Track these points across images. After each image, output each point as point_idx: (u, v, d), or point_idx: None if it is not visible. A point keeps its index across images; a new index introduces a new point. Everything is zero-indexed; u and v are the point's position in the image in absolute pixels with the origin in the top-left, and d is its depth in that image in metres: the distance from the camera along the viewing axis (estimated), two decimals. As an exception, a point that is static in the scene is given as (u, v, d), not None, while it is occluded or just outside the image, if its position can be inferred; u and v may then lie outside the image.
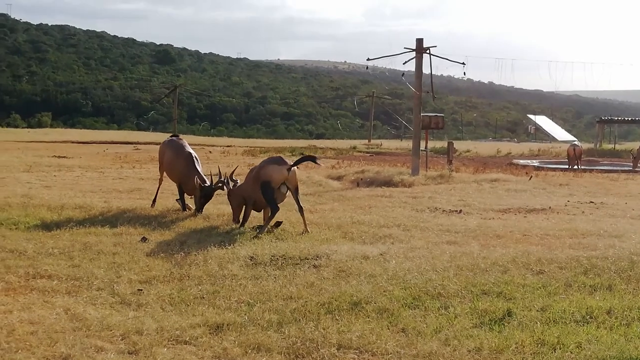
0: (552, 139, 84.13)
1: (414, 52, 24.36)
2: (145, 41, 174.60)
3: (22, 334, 5.96)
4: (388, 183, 20.52)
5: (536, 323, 6.49)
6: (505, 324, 6.50)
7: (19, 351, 5.60)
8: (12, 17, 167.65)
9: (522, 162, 37.33)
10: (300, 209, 11.67)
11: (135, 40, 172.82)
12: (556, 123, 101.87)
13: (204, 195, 13.13)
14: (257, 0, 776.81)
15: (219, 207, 13.51)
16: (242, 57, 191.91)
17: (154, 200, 14.25)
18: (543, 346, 5.92)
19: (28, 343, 5.76)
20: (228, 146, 47.72)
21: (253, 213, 12.12)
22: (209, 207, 13.31)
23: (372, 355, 5.74)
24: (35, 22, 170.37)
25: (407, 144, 48.84)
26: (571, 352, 5.78)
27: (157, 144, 49.45)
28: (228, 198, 12.37)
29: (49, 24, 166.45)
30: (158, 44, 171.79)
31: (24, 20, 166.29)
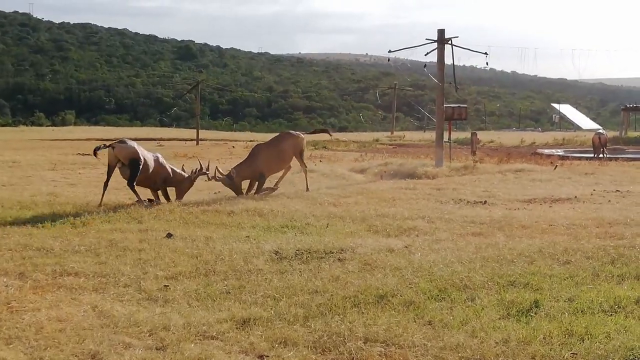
0: (577, 127, 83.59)
1: (436, 43, 24.26)
2: (166, 37, 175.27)
3: (51, 331, 6.00)
4: (412, 175, 20.49)
5: (564, 314, 6.45)
6: (533, 315, 6.46)
7: (48, 348, 5.64)
8: (35, 16, 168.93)
9: (546, 151, 37.12)
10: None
11: (156, 37, 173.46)
12: (580, 111, 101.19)
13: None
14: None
15: (244, 202, 13.55)
16: (263, 51, 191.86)
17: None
18: (571, 337, 5.88)
19: (56, 340, 5.80)
20: (250, 141, 47.75)
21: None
22: (233, 204, 13.39)
23: (398, 348, 5.72)
24: (57, 20, 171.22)
25: (430, 135, 48.61)
26: (600, 343, 5.73)
27: (180, 140, 49.79)
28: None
29: (71, 23, 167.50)
30: (179, 40, 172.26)
31: (47, 19, 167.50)
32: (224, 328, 6.12)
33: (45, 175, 20.48)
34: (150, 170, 13.92)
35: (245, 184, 15.69)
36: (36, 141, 44.85)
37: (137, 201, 13.47)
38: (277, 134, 18.03)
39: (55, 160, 26.87)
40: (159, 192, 14.40)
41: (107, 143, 13.91)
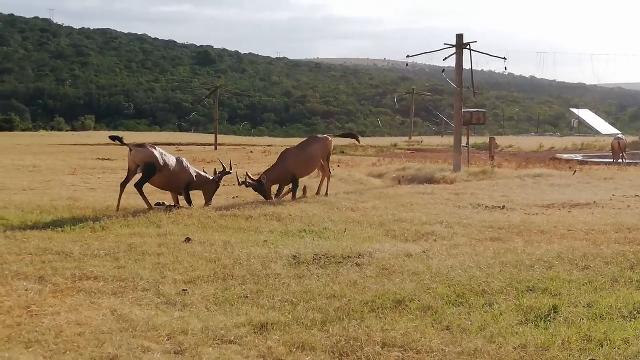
0: (596, 132, 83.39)
1: (454, 48, 24.23)
2: (186, 43, 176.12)
3: (70, 335, 6.03)
4: (430, 180, 20.46)
5: (583, 319, 6.42)
6: (551, 321, 6.43)
7: (67, 352, 5.67)
8: (55, 22, 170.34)
9: (565, 156, 36.97)
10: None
11: (176, 42, 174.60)
12: (600, 116, 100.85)
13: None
14: (301, 0, 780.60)
15: (262, 206, 13.57)
16: (281, 56, 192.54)
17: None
18: (590, 342, 5.85)
19: (76, 344, 5.82)
20: (269, 146, 47.91)
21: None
22: (251, 208, 13.44)
23: (416, 353, 5.71)
24: (77, 26, 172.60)
25: (449, 140, 48.63)
26: (618, 348, 5.71)
27: (198, 145, 49.98)
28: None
29: (91, 28, 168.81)
30: (198, 45, 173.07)
31: (67, 25, 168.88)
32: (242, 332, 6.13)
33: (65, 180, 20.61)
34: (171, 170, 13.92)
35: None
36: (56, 146, 45.13)
37: (150, 206, 13.43)
38: (305, 138, 18.08)
39: (75, 165, 27.05)
40: (180, 197, 14.38)
41: (128, 144, 13.94)
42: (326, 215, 12.76)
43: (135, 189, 13.58)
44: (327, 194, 16.18)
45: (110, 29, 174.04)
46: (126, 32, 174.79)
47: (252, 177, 15.33)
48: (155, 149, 13.84)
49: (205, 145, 48.58)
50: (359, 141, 20.49)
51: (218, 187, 14.89)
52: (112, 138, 14.04)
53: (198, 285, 7.75)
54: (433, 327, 6.30)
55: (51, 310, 6.74)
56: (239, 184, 15.45)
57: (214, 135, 51.10)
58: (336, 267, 8.55)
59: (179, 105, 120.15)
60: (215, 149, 44.50)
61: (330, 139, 16.97)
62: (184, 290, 7.53)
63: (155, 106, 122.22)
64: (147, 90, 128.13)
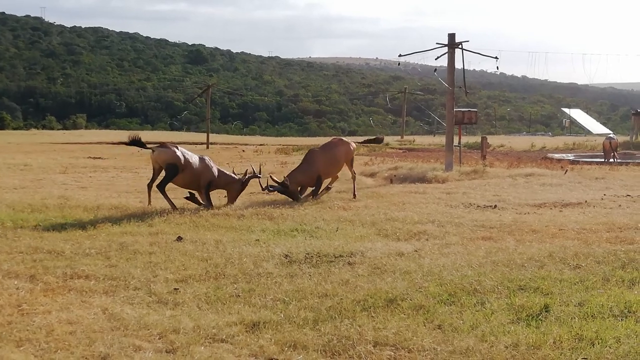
0: (587, 132, 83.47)
1: (446, 47, 24.22)
2: (177, 42, 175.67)
3: (61, 333, 6.02)
4: (422, 179, 20.45)
5: (574, 318, 6.44)
6: (543, 320, 6.45)
7: (58, 351, 5.66)
8: (46, 20, 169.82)
9: (557, 156, 36.99)
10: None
11: (167, 41, 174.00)
12: (591, 116, 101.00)
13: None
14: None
15: (254, 205, 13.57)
16: (273, 55, 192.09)
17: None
18: (581, 341, 5.87)
19: (67, 343, 5.82)
20: (261, 145, 47.83)
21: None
22: (242, 207, 13.41)
23: (408, 352, 5.72)
24: (69, 24, 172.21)
25: (440, 139, 48.64)
26: (610, 347, 5.73)
27: (190, 143, 49.87)
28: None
29: (83, 27, 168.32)
30: (190, 44, 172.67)
31: (58, 23, 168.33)
32: (234, 331, 6.13)
33: (56, 179, 20.56)
34: (194, 169, 13.90)
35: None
36: (47, 144, 44.97)
37: (174, 207, 13.29)
38: (329, 139, 18.01)
39: (66, 164, 26.98)
40: (197, 194, 14.24)
41: (151, 146, 13.95)
42: (318, 214, 12.77)
43: (158, 190, 13.57)
44: (354, 196, 16.17)
45: (102, 27, 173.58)
46: (117, 30, 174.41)
47: (276, 180, 15.07)
48: (177, 148, 13.87)
49: (197, 144, 48.43)
50: (381, 142, 20.72)
51: (244, 188, 14.75)
52: (132, 143, 13.76)
53: (189, 284, 7.74)
54: (425, 325, 6.31)
55: (42, 309, 6.73)
56: (262, 190, 15.10)
57: (205, 134, 50.99)
58: (328, 266, 8.56)
59: (171, 104, 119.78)
60: (207, 147, 44.38)
61: (354, 145, 16.99)
62: (175, 289, 7.53)
63: (146, 105, 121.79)
64: (138, 88, 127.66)
